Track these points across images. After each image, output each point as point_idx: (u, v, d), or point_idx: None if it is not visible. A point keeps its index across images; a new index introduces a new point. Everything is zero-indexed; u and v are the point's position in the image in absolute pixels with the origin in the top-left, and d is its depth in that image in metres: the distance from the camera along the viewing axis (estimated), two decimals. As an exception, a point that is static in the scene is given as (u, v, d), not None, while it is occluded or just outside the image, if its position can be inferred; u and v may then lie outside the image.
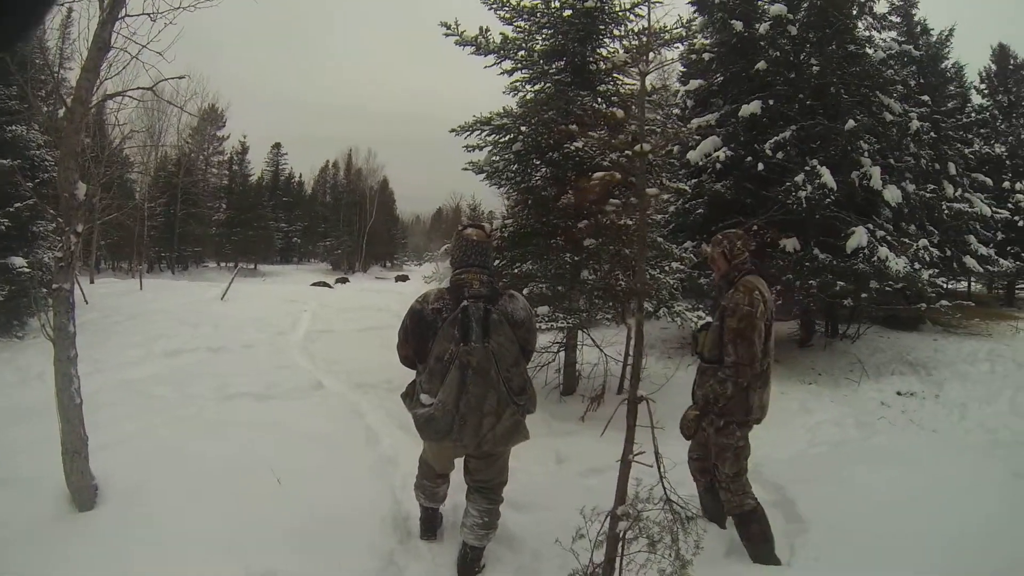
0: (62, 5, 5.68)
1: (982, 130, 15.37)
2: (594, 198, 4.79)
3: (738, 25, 7.47)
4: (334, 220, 47.60)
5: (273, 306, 12.13)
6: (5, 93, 8.73)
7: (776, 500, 3.77)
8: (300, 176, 51.83)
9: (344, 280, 34.39)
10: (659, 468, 2.49)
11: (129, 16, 3.68)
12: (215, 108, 35.35)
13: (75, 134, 3.61)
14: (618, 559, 2.55)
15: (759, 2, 8.24)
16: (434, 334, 2.68)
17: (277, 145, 48.73)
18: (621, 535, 2.49)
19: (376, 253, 49.91)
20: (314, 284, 23.44)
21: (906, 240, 7.58)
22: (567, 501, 3.46)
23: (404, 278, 36.28)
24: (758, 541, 3.08)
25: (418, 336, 2.73)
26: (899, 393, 6.52)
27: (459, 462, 3.09)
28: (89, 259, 17.15)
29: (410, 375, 3.00)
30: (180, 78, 4.01)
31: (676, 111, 7.22)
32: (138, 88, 4.11)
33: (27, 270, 8.74)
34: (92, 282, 14.42)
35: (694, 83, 7.72)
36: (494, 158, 6.23)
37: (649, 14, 2.76)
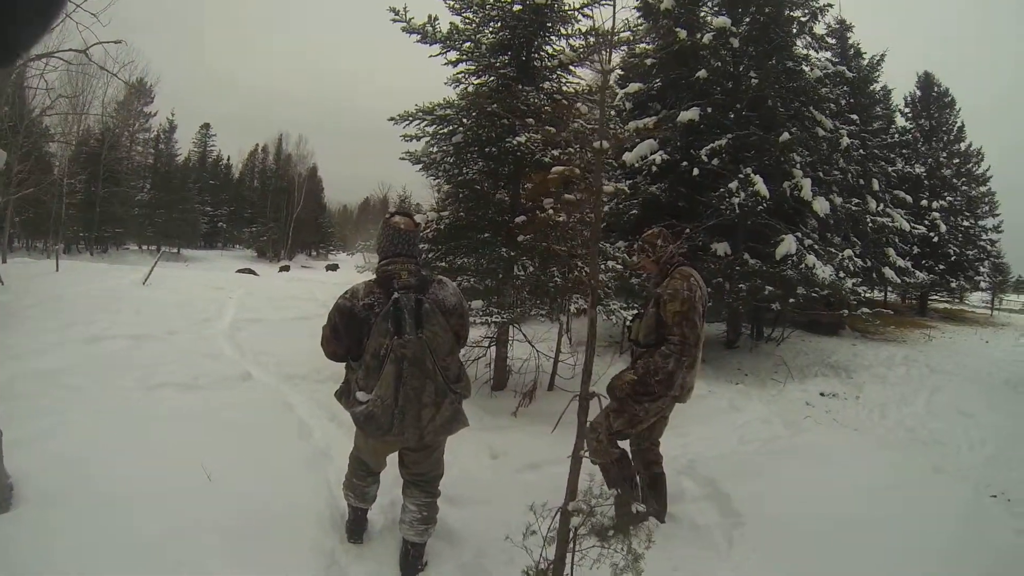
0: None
1: (904, 151, 16.50)
2: (551, 192, 4.81)
3: (682, 33, 7.67)
4: (261, 206, 46.34)
5: (198, 292, 11.58)
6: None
7: (710, 494, 3.88)
8: (228, 159, 50.68)
9: (286, 268, 33.40)
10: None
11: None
12: (144, 82, 33.47)
13: (-5, 96, 3.34)
14: (570, 554, 2.57)
15: (703, 13, 8.52)
16: (368, 330, 2.60)
17: (206, 125, 47.59)
18: (574, 530, 2.50)
19: (303, 241, 48.71)
20: (239, 271, 22.55)
21: (832, 249, 7.99)
22: (505, 496, 3.49)
23: (334, 267, 35.55)
24: (619, 483, 3.25)
25: (350, 334, 2.65)
26: (822, 394, 6.84)
27: (391, 458, 3.03)
28: (1, 236, 16.00)
29: (341, 369, 2.92)
30: (116, 43, 3.80)
31: (613, 112, 7.33)
32: (69, 50, 3.86)
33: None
34: (4, 261, 13.47)
35: (633, 86, 7.86)
36: (432, 149, 6.16)
37: (614, 13, 2.75)
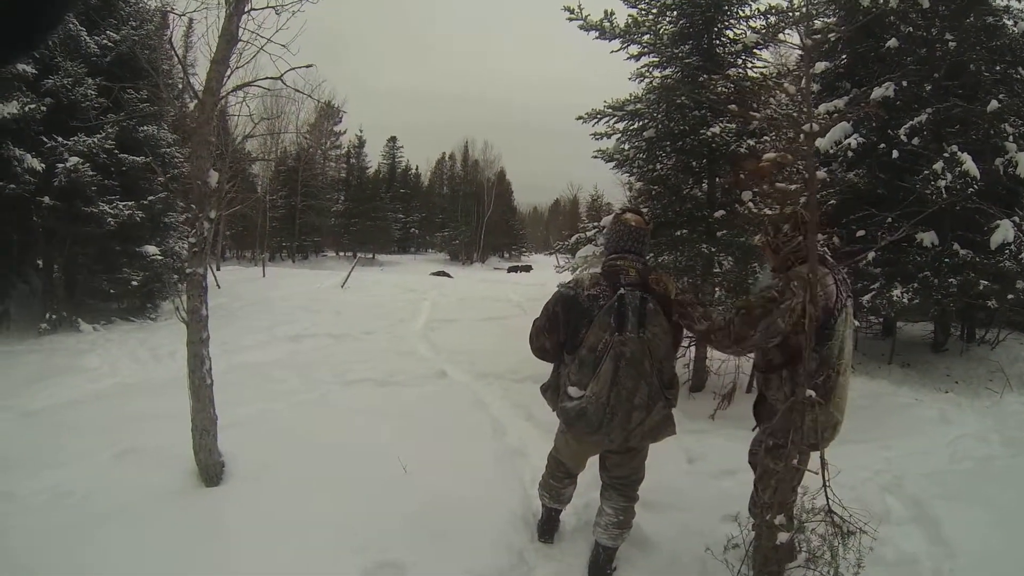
0: (182, 15, 6.04)
1: None
2: (764, 181, 4.56)
3: (865, 0, 6.89)
4: (452, 211, 48.98)
5: (393, 295, 12.51)
6: (136, 96, 9.46)
7: (917, 517, 3.45)
8: (416, 168, 54.15)
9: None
10: (823, 475, 2.27)
11: (254, 9, 3.83)
12: (331, 104, 37.15)
13: (207, 124, 3.77)
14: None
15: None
16: (588, 322, 2.54)
17: (393, 139, 51.01)
18: (781, 547, 2.30)
19: (494, 244, 51.09)
20: (433, 274, 23.92)
21: (1057, 234, 6.76)
22: (701, 503, 3.32)
23: (523, 268, 36.47)
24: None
25: (570, 324, 2.59)
26: (1047, 408, 5.83)
27: (591, 460, 2.96)
28: (215, 248, 18.47)
29: (539, 370, 2.90)
30: (307, 67, 4.12)
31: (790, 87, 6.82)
32: (266, 77, 4.25)
33: (159, 257, 9.53)
34: (219, 269, 15.48)
35: (820, 65, 7.18)
36: (623, 146, 6.10)
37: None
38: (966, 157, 6.19)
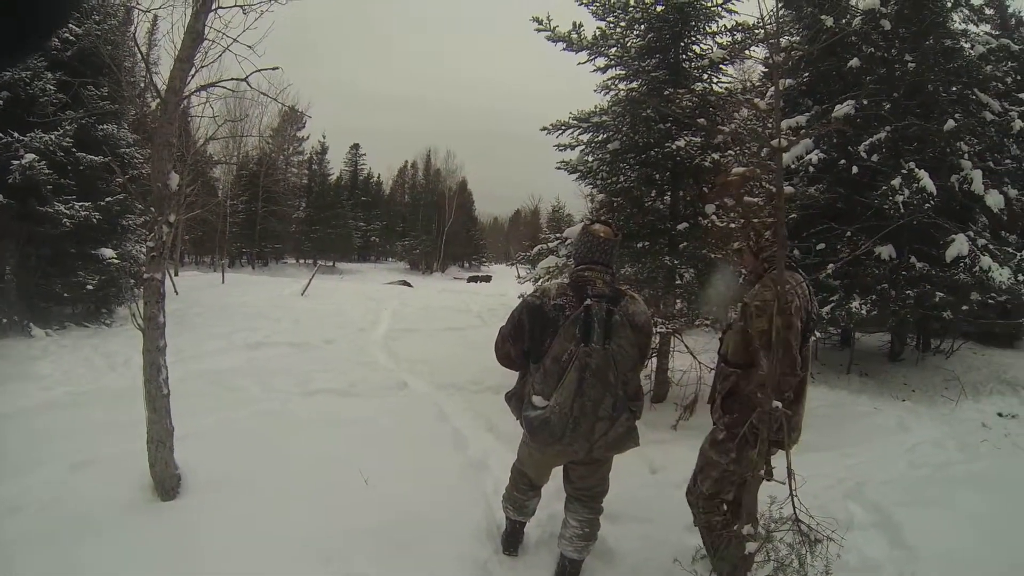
0: (147, 11, 5.89)
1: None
2: (731, 195, 4.63)
3: (829, 20, 7.09)
4: (412, 220, 49.00)
5: (353, 303, 12.36)
6: (97, 94, 9.19)
7: (879, 522, 3.54)
8: (379, 176, 53.92)
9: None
10: (790, 485, 2.31)
11: (221, 8, 3.76)
12: (295, 109, 36.88)
13: (169, 124, 3.67)
14: None
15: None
16: (554, 332, 2.54)
17: (356, 145, 50.65)
18: (750, 557, 2.33)
19: (455, 253, 51.34)
20: (393, 283, 23.72)
21: (1009, 249, 7.03)
22: (665, 514, 3.34)
23: (483, 278, 36.52)
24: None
25: (535, 333, 2.59)
26: (1000, 415, 6.05)
27: (555, 472, 2.96)
28: (174, 253, 18.03)
29: (501, 381, 2.89)
30: (273, 69, 4.03)
31: (763, 110, 6.98)
32: (232, 79, 4.14)
33: (116, 261, 9.22)
34: (176, 275, 15.06)
35: (784, 82, 7.39)
36: (587, 157, 6.14)
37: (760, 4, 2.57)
38: (923, 173, 6.40)
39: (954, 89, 7.28)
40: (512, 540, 3.08)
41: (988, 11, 11.39)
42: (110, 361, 6.90)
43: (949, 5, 7.47)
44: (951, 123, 6.67)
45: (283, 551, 2.88)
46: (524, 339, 2.62)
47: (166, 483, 3.41)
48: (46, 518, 3.14)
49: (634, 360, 2.64)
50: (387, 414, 5.14)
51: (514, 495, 3.00)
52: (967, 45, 7.45)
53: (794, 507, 2.32)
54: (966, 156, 6.79)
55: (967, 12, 7.89)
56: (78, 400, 5.47)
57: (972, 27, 8.01)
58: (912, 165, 6.52)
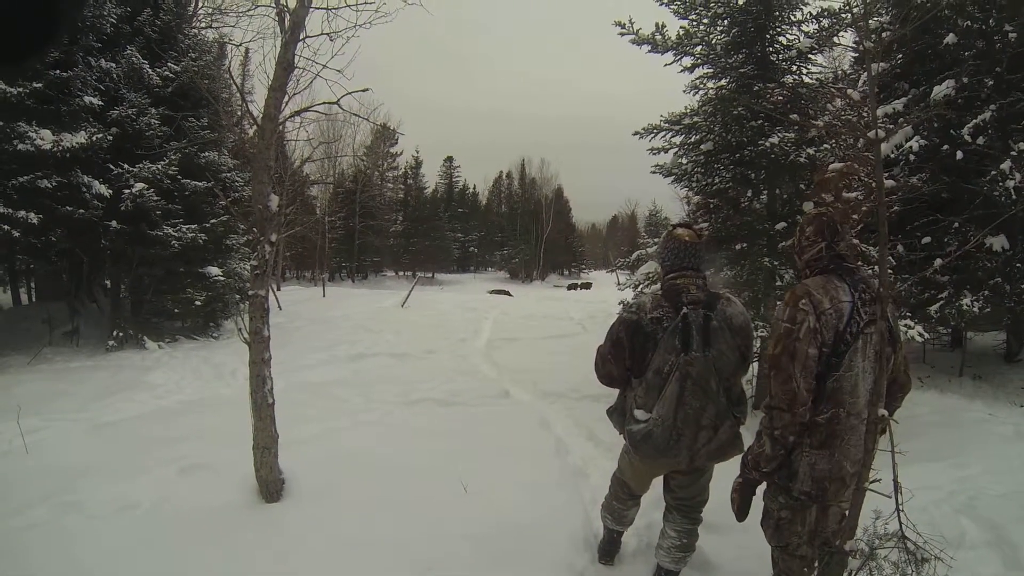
0: (239, 46, 6.28)
1: None
2: (829, 191, 4.46)
3: (918, -3, 6.66)
4: (510, 230, 49.88)
5: (453, 314, 12.61)
6: (198, 125, 9.93)
7: (993, 540, 3.26)
8: (474, 187, 55.22)
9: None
10: (896, 499, 2.18)
11: (309, 37, 3.93)
12: (387, 126, 37.19)
13: (266, 149, 3.89)
14: None
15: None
16: (654, 345, 2.51)
17: (450, 158, 52.18)
18: (851, 573, 2.22)
19: (554, 261, 51.62)
20: (492, 292, 23.99)
21: None
22: (767, 526, 3.21)
23: (583, 285, 36.60)
24: None
25: (635, 349, 2.57)
26: None
27: (655, 481, 2.93)
28: (276, 269, 19.09)
29: (602, 387, 2.88)
30: (363, 91, 4.21)
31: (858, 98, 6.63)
32: (323, 103, 4.33)
33: (222, 278, 9.94)
34: (279, 289, 15.93)
35: (876, 67, 6.97)
36: (681, 160, 6.07)
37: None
38: (1035, 156, 5.89)
39: None
40: (609, 549, 3.07)
41: None
42: (218, 371, 7.39)
43: None
44: (1062, 96, 6.10)
45: (381, 556, 2.99)
46: (624, 356, 2.60)
47: (271, 486, 3.62)
48: (155, 517, 3.40)
49: (735, 365, 2.58)
50: (488, 423, 5.22)
51: (613, 504, 2.99)
52: None
53: (900, 522, 2.20)
54: (1084, 133, 6.18)
55: None
56: (189, 408, 5.90)
57: None
58: (1023, 146, 6.00)
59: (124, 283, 10.16)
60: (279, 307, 11.61)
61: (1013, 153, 6.00)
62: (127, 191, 8.83)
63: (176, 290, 9.69)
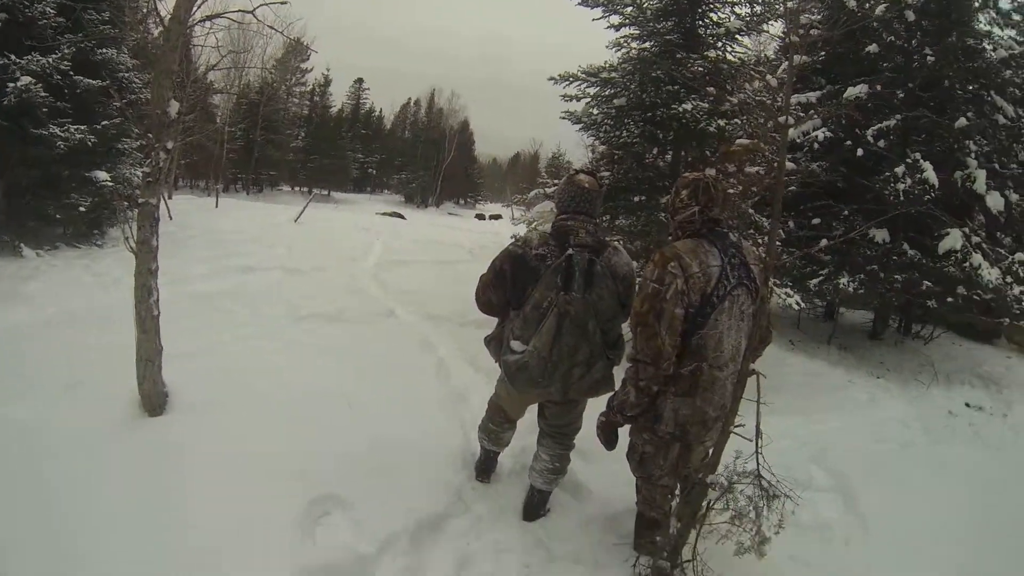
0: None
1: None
2: (733, 163, 4.66)
3: (851, 2, 7.03)
4: (411, 155, 48.99)
5: (346, 233, 12.35)
6: (98, 19, 8.99)
7: (837, 487, 3.71)
8: (380, 111, 53.73)
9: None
10: (756, 442, 2.38)
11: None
12: (301, 42, 36.34)
13: (171, 52, 3.61)
14: (698, 526, 2.49)
15: (871, -20, 7.76)
16: (535, 280, 2.58)
17: (359, 80, 50.43)
18: (710, 503, 2.42)
19: (451, 190, 51.32)
20: (384, 213, 23.53)
21: (1002, 251, 7.12)
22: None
23: (493, 217, 36.56)
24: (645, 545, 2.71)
25: (516, 282, 2.63)
26: (968, 405, 6.17)
27: (532, 407, 3.04)
28: (169, 176, 17.85)
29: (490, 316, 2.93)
30: (282, 2, 3.94)
31: (775, 84, 6.99)
32: (237, 10, 4.06)
33: (110, 184, 9.12)
34: (170, 197, 14.85)
35: (798, 59, 7.32)
36: (592, 110, 6.15)
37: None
38: (927, 166, 6.43)
39: (970, 88, 7.26)
40: (485, 468, 3.20)
41: (1016, 16, 11.24)
42: (100, 280, 6.87)
43: (977, 5, 7.44)
44: (963, 121, 6.68)
45: (261, 467, 2.96)
46: (506, 287, 2.67)
47: (153, 400, 3.46)
48: (32, 439, 3.18)
49: (615, 310, 2.67)
50: (373, 341, 5.19)
51: (490, 427, 3.09)
52: (990, 47, 7.44)
53: (757, 463, 2.39)
54: (973, 155, 6.81)
55: (994, 15, 7.86)
56: (70, 320, 5.45)
57: (997, 30, 7.97)
58: (918, 156, 6.54)
59: (0, 184, 9.15)
60: (170, 216, 10.90)
61: (908, 160, 6.53)
62: (11, 84, 7.86)
63: (59, 194, 8.80)
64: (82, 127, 8.56)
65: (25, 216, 8.80)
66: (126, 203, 8.51)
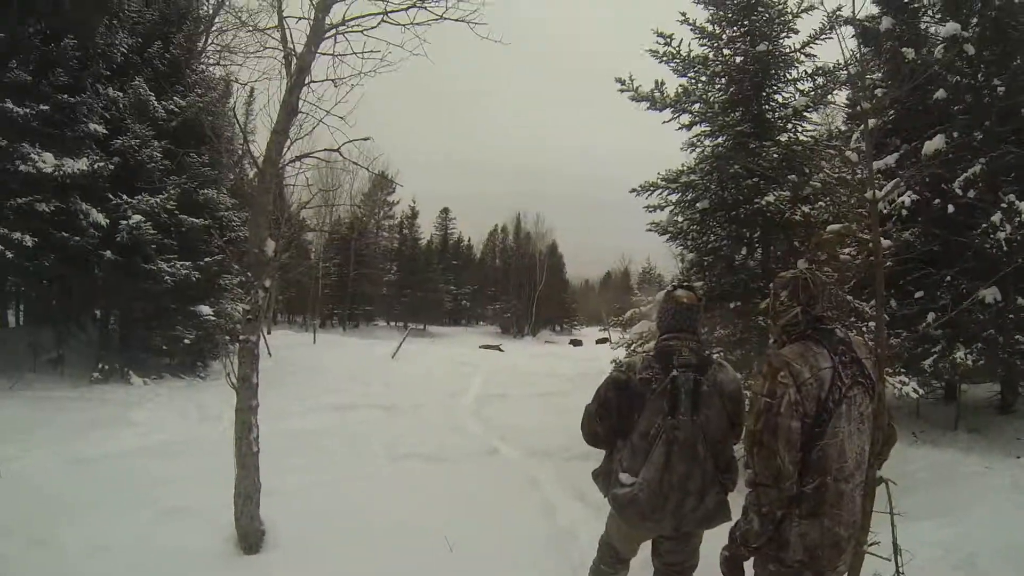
0: (244, 85, 6.38)
1: None
2: (826, 251, 4.49)
3: (910, 53, 6.81)
4: (504, 283, 49.35)
5: (443, 367, 12.57)
6: (199, 161, 10.00)
7: None
8: (469, 240, 54.63)
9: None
10: (896, 561, 2.12)
11: (314, 82, 3.95)
12: (385, 175, 38.44)
13: (265, 193, 3.90)
14: None
15: (924, 25, 7.56)
16: (641, 407, 2.48)
17: (446, 210, 51.49)
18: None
19: (546, 317, 50.81)
20: (483, 347, 23.74)
21: None
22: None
23: (577, 342, 36.32)
24: None
25: (622, 410, 2.53)
26: None
27: (644, 545, 2.84)
28: (268, 312, 19.02)
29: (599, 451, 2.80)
30: (365, 140, 4.22)
31: (853, 156, 6.75)
32: (325, 149, 4.28)
33: (212, 318, 9.85)
34: (269, 333, 15.76)
35: (871, 123, 7.11)
36: (676, 218, 6.13)
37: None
38: (1024, 205, 5.96)
39: None
40: None
41: None
42: (203, 413, 7.27)
43: None
44: (1050, 146, 6.22)
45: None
46: (612, 416, 2.56)
47: (250, 537, 3.51)
48: (129, 560, 3.27)
49: (725, 431, 2.54)
50: (476, 481, 5.13)
51: (601, 568, 2.89)
52: None
53: (899, 585, 2.12)
54: (1070, 179, 6.29)
55: None
56: (171, 449, 5.77)
57: None
58: (1012, 197, 6.07)
59: (114, 315, 10.08)
60: (268, 353, 11.53)
61: (1003, 205, 6.07)
62: (124, 222, 8.83)
63: (166, 326, 9.60)
64: (187, 263, 9.40)
65: (135, 346, 9.57)
66: (227, 337, 9.12)
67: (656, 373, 2.48)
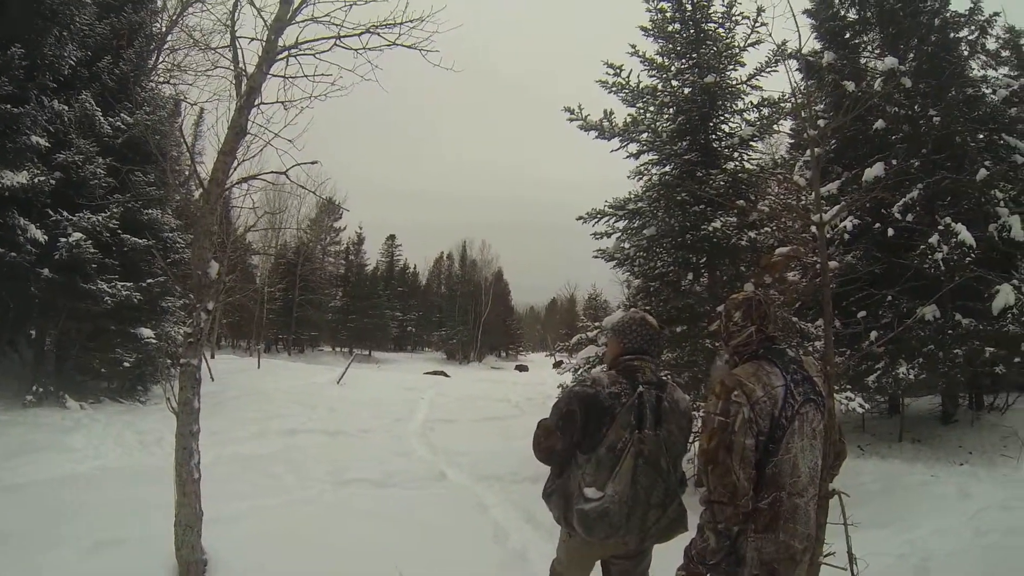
0: (194, 104, 6.25)
1: None
2: (773, 274, 4.60)
3: (850, 85, 7.18)
4: (449, 310, 48.87)
5: (390, 392, 12.45)
6: (144, 180, 9.67)
7: None
8: (415, 267, 54.11)
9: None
10: (851, 570, 2.14)
11: (264, 104, 3.89)
12: (333, 200, 36.31)
13: (210, 214, 3.78)
14: None
15: (864, 60, 8.00)
16: (610, 421, 2.47)
17: (392, 236, 50.87)
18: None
19: (491, 343, 50.72)
20: (429, 373, 23.55)
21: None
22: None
23: (523, 368, 36.39)
24: None
25: (588, 424, 2.51)
26: (1068, 466, 5.59)
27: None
28: (211, 336, 18.44)
29: (542, 471, 2.75)
30: (312, 163, 4.15)
31: (800, 179, 7.02)
32: (271, 172, 4.23)
33: (154, 341, 9.44)
34: (212, 357, 15.29)
35: (817, 151, 7.41)
36: (623, 244, 6.22)
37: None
38: (960, 227, 6.29)
39: (981, 137, 7.26)
40: None
41: (1004, 53, 11.34)
42: (142, 439, 6.96)
43: (965, 53, 7.55)
44: (983, 172, 6.61)
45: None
46: (575, 431, 2.53)
47: (192, 568, 3.34)
48: None
49: (682, 446, 2.62)
50: (425, 506, 5.07)
51: None
52: (988, 91, 7.45)
53: (854, 594, 2.14)
54: (1002, 203, 6.67)
55: (984, 58, 7.98)
56: (109, 475, 5.49)
57: (991, 72, 8.06)
58: (948, 220, 6.43)
59: (50, 335, 9.51)
60: (211, 377, 11.16)
61: (940, 227, 6.39)
62: (63, 239, 8.42)
63: (105, 348, 9.14)
64: (128, 284, 9.00)
65: (71, 369, 9.08)
66: (169, 360, 8.77)
67: (624, 388, 2.51)
